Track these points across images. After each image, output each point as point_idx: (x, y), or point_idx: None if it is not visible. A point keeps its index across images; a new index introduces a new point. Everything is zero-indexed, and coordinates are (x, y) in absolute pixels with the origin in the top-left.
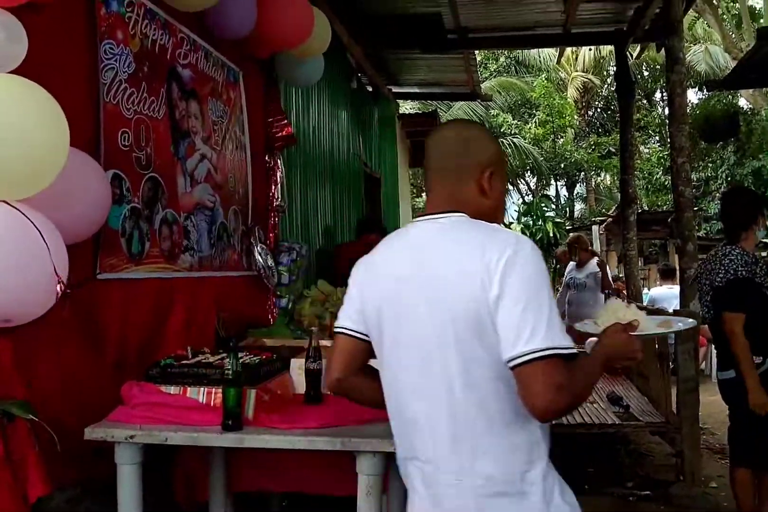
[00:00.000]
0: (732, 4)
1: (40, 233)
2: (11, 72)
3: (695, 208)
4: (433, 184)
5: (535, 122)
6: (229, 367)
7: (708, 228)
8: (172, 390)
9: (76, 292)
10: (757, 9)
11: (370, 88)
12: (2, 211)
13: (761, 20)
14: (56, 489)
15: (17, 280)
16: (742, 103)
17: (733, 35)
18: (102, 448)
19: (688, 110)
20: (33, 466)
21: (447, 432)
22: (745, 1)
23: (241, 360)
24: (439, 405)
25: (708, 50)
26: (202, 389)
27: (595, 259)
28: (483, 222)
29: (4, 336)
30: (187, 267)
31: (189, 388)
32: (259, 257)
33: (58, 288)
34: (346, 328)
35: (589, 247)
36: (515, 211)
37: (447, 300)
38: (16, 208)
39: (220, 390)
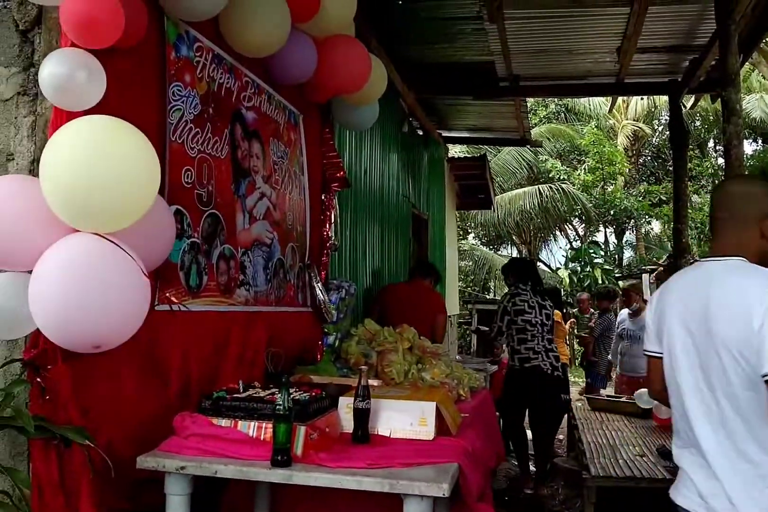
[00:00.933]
0: None
1: (135, 261)
2: (88, 111)
3: None
4: (719, 230)
5: (585, 169)
6: (281, 402)
7: None
8: (224, 423)
9: None
10: None
11: (420, 132)
12: (99, 242)
13: None
14: None
15: (113, 307)
16: None
17: None
18: (152, 478)
19: (743, 161)
20: (86, 492)
21: (714, 428)
22: None
23: (291, 396)
24: (708, 407)
25: (764, 98)
26: (252, 423)
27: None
28: (756, 266)
29: (64, 364)
30: (242, 301)
31: (240, 422)
32: (320, 292)
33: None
34: (653, 352)
35: (644, 297)
36: (563, 256)
37: (724, 324)
38: (109, 240)
39: (270, 425)
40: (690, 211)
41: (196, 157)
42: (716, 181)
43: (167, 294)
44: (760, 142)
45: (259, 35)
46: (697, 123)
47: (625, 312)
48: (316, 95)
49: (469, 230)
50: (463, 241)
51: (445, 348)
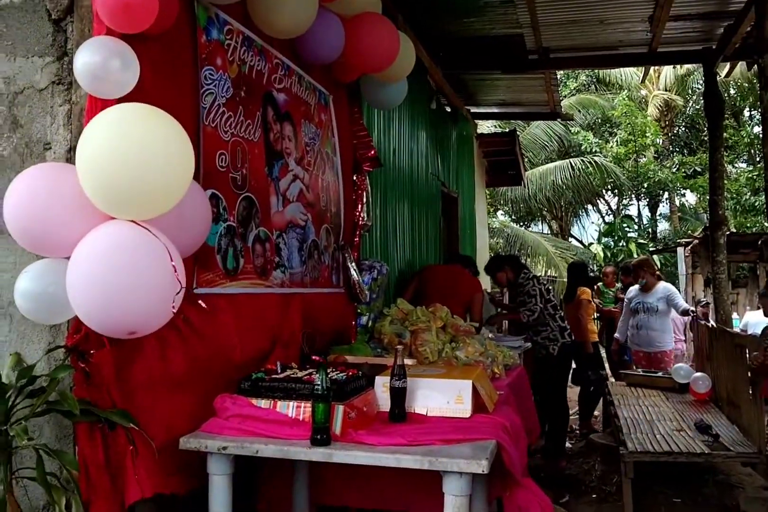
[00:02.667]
0: None
1: (168, 250)
2: (122, 99)
3: None
4: None
5: (617, 141)
6: (319, 382)
7: None
8: (263, 403)
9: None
10: None
11: (448, 109)
12: (133, 229)
13: None
14: (149, 497)
15: (147, 294)
16: None
17: None
18: (194, 459)
19: None
20: (131, 473)
21: None
22: None
23: (328, 376)
24: None
25: None
26: (291, 403)
27: (663, 283)
28: None
29: (105, 350)
30: (278, 283)
31: (279, 402)
32: (355, 273)
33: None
34: None
35: (655, 271)
36: (595, 231)
37: None
38: (144, 227)
39: (309, 405)
40: (726, 181)
41: (230, 140)
42: (753, 151)
43: (205, 278)
44: None
45: (287, 16)
46: (732, 91)
47: (635, 288)
48: (345, 74)
49: (499, 207)
50: (492, 219)
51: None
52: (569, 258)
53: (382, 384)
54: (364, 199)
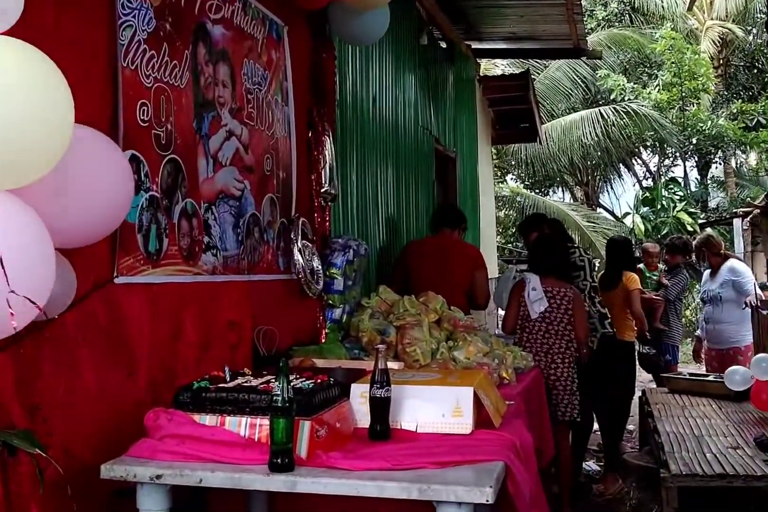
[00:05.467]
0: None
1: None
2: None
3: None
4: None
5: (658, 85)
6: (278, 392)
7: None
8: (208, 420)
9: (89, 300)
10: None
11: (443, 45)
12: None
13: None
14: None
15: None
16: None
17: None
18: (125, 490)
19: None
20: (37, 509)
21: None
22: None
23: (291, 385)
24: None
25: None
26: (244, 419)
27: (729, 263)
28: None
29: (4, 352)
30: (209, 269)
31: (228, 418)
32: (299, 257)
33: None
34: None
35: (721, 250)
36: (631, 199)
37: None
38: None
39: (266, 422)
40: None
41: (152, 86)
42: None
43: (126, 264)
44: None
45: None
46: None
47: (707, 273)
48: (307, 0)
49: (509, 170)
50: (501, 185)
51: (482, 320)
52: (603, 234)
53: (359, 394)
54: (325, 160)
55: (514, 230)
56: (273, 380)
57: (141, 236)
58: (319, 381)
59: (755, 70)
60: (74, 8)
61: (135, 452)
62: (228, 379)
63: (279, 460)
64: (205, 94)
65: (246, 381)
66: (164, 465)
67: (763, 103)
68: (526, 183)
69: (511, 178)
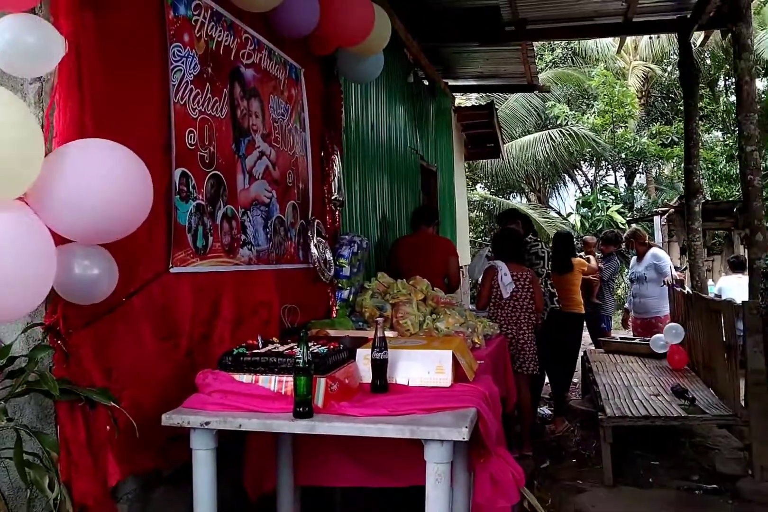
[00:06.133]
0: None
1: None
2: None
3: (764, 197)
4: None
5: (594, 112)
6: (300, 356)
7: None
8: (245, 378)
9: (151, 286)
10: None
11: (426, 82)
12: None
13: None
14: (134, 474)
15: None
16: None
17: None
18: (177, 435)
19: (756, 98)
20: (112, 452)
21: None
22: None
23: (309, 350)
24: None
25: None
26: (273, 377)
27: (652, 251)
28: None
29: (84, 330)
30: (245, 260)
31: (261, 377)
32: (315, 250)
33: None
34: None
35: (645, 240)
36: (575, 201)
37: None
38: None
39: (291, 379)
40: (702, 150)
41: (198, 118)
42: (728, 120)
43: (179, 257)
44: None
45: None
46: (708, 61)
47: (634, 258)
48: (320, 48)
49: (478, 180)
50: (472, 191)
51: (459, 298)
52: (554, 228)
53: (363, 357)
54: (335, 174)
55: (483, 227)
56: (295, 346)
57: (191, 235)
58: (331, 347)
59: (670, 100)
60: (133, 57)
61: (189, 404)
62: (260, 346)
63: (301, 409)
64: (242, 123)
65: (275, 348)
66: (211, 414)
67: (676, 126)
68: (492, 190)
69: (481, 187)
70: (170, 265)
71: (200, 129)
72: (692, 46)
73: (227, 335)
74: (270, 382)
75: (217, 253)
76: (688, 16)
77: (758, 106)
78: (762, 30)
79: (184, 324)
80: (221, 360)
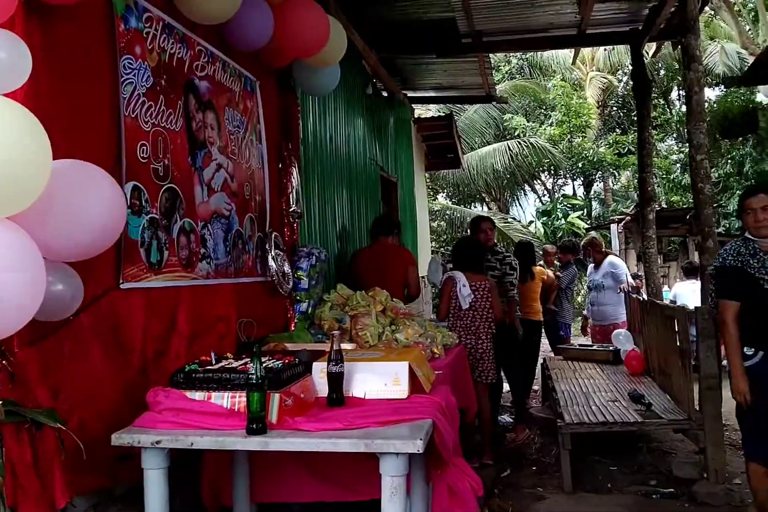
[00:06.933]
0: None
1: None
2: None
3: (715, 205)
4: None
5: (552, 123)
6: (253, 372)
7: (728, 224)
8: (198, 395)
9: (100, 302)
10: None
11: (385, 94)
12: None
13: None
14: (83, 496)
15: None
16: (761, 98)
17: (750, 31)
18: (128, 454)
19: (706, 107)
20: (59, 474)
21: None
22: None
23: (263, 365)
24: None
25: (724, 48)
26: (226, 394)
27: (608, 259)
28: None
29: (30, 347)
30: (203, 274)
31: (213, 394)
32: (273, 263)
33: None
34: None
35: (602, 248)
36: (536, 210)
37: None
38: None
39: (244, 395)
40: (656, 159)
41: (151, 130)
42: (681, 129)
43: (130, 272)
44: (723, 87)
45: (210, 2)
46: (662, 72)
47: (591, 266)
48: (275, 60)
49: (440, 190)
50: (434, 202)
51: (420, 308)
52: (516, 236)
53: (319, 370)
54: (293, 186)
55: (445, 236)
56: (249, 362)
57: (143, 250)
58: (287, 361)
59: (626, 110)
60: (81, 70)
61: (139, 423)
62: (214, 362)
63: (254, 425)
64: (197, 135)
65: (228, 364)
66: (163, 432)
67: (632, 135)
68: (454, 200)
69: (443, 197)
70: (120, 281)
71: (153, 141)
72: (644, 57)
73: (183, 351)
74: (223, 399)
75: (174, 267)
76: (640, 28)
77: (707, 116)
78: (712, 42)
79: (136, 340)
80: (173, 378)
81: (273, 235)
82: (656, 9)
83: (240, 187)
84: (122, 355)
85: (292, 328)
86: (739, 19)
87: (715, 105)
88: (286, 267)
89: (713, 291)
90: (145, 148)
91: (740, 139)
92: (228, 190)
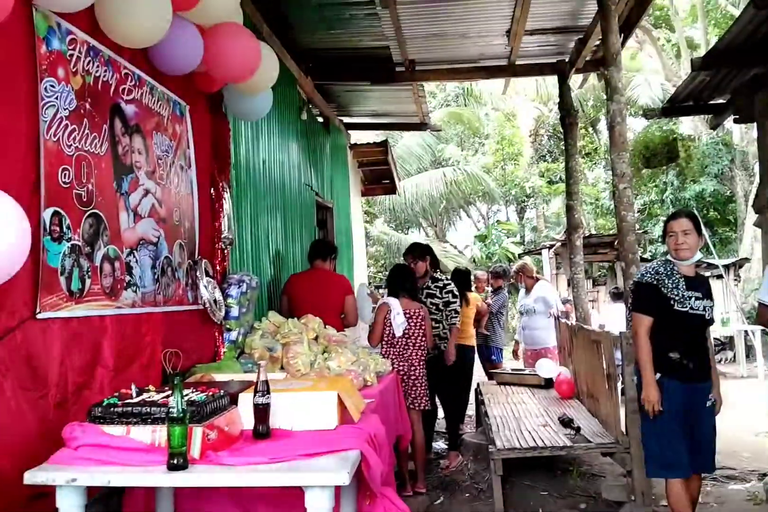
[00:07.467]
0: (672, 34)
1: None
2: None
3: (641, 231)
4: None
5: (484, 152)
6: (174, 405)
7: (654, 250)
8: (116, 430)
9: (15, 333)
10: (695, 39)
11: (321, 119)
12: None
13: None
14: None
15: None
16: (684, 128)
17: (674, 65)
18: (43, 493)
19: (631, 137)
20: None
21: None
22: (683, 32)
23: (186, 398)
24: None
25: (648, 81)
26: (146, 428)
27: (539, 284)
28: None
29: None
30: (129, 303)
31: (133, 428)
32: (205, 291)
33: None
34: None
35: (533, 274)
36: (473, 236)
37: None
38: None
39: (165, 429)
40: (585, 187)
41: (74, 154)
42: (608, 158)
43: (48, 302)
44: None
45: (137, 26)
46: (590, 102)
47: (522, 291)
48: (205, 85)
49: (378, 215)
50: (372, 226)
51: (357, 334)
52: (452, 261)
53: (246, 402)
54: (225, 211)
55: (383, 261)
56: (171, 395)
57: (64, 278)
58: (211, 393)
59: (556, 139)
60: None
61: (54, 460)
62: (135, 395)
63: (176, 461)
64: (123, 160)
65: (149, 397)
66: (79, 469)
67: (562, 164)
68: (392, 225)
69: (381, 222)
70: (37, 311)
71: (77, 166)
72: (571, 88)
73: (107, 383)
74: (143, 434)
75: (97, 295)
76: (567, 59)
77: (630, 146)
78: (638, 74)
79: (54, 373)
80: (90, 412)
81: (203, 262)
82: (581, 42)
83: (169, 212)
84: (38, 389)
85: (221, 358)
86: (664, 53)
87: (640, 135)
88: (218, 295)
89: (631, 304)
90: (67, 172)
91: (664, 168)
92: (156, 215)
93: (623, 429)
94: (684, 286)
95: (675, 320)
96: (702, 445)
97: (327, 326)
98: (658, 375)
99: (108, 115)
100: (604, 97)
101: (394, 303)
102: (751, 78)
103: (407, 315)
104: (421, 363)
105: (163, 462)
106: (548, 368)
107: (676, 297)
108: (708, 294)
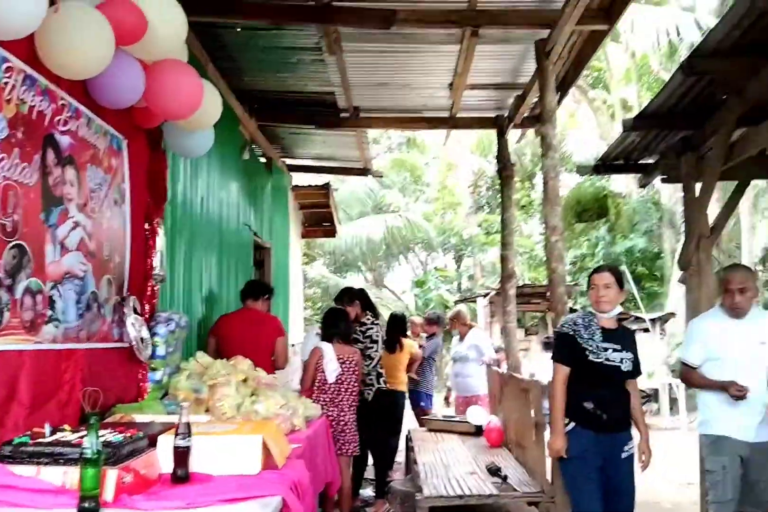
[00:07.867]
0: (609, 95)
1: None
2: None
3: (572, 283)
4: None
5: (426, 199)
6: (88, 445)
7: (584, 302)
8: (26, 471)
9: None
10: (628, 101)
11: (263, 160)
12: None
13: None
14: None
15: None
16: (617, 185)
17: (608, 124)
18: None
19: (564, 192)
20: None
21: None
22: (618, 94)
23: (102, 438)
24: None
25: (583, 139)
26: (58, 469)
27: (473, 332)
28: None
29: None
30: (49, 338)
31: (43, 469)
32: (132, 328)
33: None
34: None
35: (467, 321)
36: (411, 281)
37: None
38: None
39: (77, 471)
40: (519, 238)
41: (1, 184)
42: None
43: None
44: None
45: (77, 57)
46: (528, 157)
47: (456, 338)
48: (145, 120)
49: (317, 258)
50: (310, 268)
51: (289, 376)
52: (387, 307)
53: (166, 444)
54: (158, 248)
55: (321, 304)
56: (86, 435)
57: None
58: (129, 434)
59: (494, 191)
60: None
61: None
62: (48, 434)
63: (87, 504)
64: (53, 191)
65: (63, 437)
66: None
67: (498, 215)
68: (331, 268)
69: (321, 264)
70: None
71: (3, 196)
72: (509, 142)
73: (22, 420)
74: (54, 475)
75: (15, 330)
76: (505, 114)
77: (562, 201)
78: (574, 131)
79: None
80: None
81: (131, 299)
82: (520, 98)
83: (99, 246)
84: None
85: (144, 398)
86: (600, 112)
87: (570, 192)
88: (145, 333)
89: (552, 353)
90: None
91: (596, 222)
92: (84, 249)
93: (549, 478)
94: (600, 338)
95: (590, 370)
96: (620, 495)
97: (257, 368)
98: (572, 424)
99: (41, 145)
100: (540, 151)
101: (327, 349)
102: (679, 140)
103: (341, 361)
104: (352, 408)
105: (73, 506)
106: (479, 415)
107: (591, 348)
108: (628, 347)
